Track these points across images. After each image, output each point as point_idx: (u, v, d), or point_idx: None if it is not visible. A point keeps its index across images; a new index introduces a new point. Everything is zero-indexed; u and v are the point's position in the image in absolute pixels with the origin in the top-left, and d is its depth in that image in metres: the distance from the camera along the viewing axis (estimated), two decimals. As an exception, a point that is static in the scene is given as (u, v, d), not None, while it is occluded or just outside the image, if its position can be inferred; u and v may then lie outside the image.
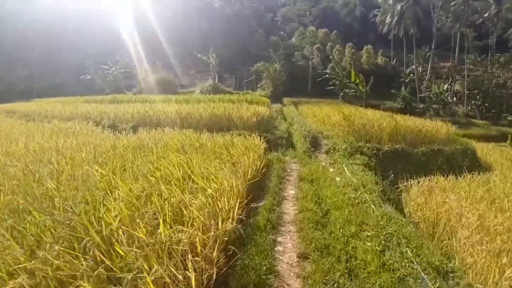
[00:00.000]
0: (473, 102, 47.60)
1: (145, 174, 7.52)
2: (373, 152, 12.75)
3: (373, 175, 10.61)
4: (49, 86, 53.11)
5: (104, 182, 6.74)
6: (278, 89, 35.28)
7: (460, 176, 11.49)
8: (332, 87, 43.09)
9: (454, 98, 49.75)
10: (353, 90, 39.67)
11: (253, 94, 31.35)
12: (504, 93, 48.76)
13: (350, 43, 57.17)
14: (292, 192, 9.09)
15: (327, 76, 44.23)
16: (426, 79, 52.24)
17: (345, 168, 10.86)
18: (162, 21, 46.89)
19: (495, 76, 51.68)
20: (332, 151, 12.59)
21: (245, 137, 12.09)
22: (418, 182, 10.78)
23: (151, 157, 9.25)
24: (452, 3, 47.64)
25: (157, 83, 36.89)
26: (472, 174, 11.97)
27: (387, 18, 51.79)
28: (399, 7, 48.93)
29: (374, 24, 59.77)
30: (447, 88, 49.37)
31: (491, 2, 46.51)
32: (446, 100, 47.37)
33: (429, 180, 11.05)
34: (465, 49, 54.68)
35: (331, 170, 11.18)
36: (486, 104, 46.16)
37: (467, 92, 47.74)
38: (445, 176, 12.02)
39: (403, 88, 46.35)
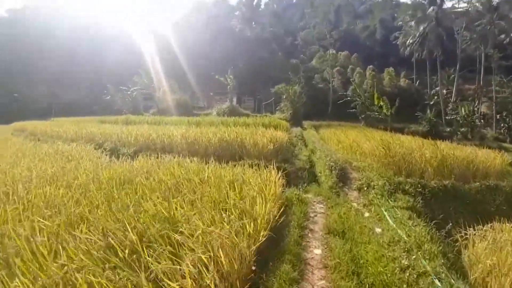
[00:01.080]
0: (502, 124, 43.72)
1: (106, 232, 5.04)
2: (417, 189, 9.87)
3: (424, 223, 7.76)
4: (68, 104, 52.28)
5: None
6: (298, 112, 32.67)
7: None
8: (353, 110, 40.45)
9: (482, 121, 46.06)
10: (376, 113, 36.73)
11: (271, 117, 28.85)
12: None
13: (371, 66, 54.64)
14: (318, 252, 6.34)
15: (348, 98, 41.65)
16: (451, 101, 48.77)
17: (386, 214, 8.05)
18: (182, 42, 45.62)
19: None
20: (365, 188, 9.78)
21: (259, 169, 9.44)
22: (482, 232, 7.93)
23: (132, 196, 6.82)
24: (477, 23, 44.54)
25: (174, 104, 35.06)
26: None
27: (409, 40, 49.03)
28: (421, 28, 46.20)
29: (395, 46, 57.21)
30: (474, 110, 45.85)
31: (518, 20, 43.19)
32: (474, 123, 43.79)
33: (492, 227, 8.20)
34: (491, 70, 51.12)
35: (366, 214, 8.38)
36: (517, 127, 42.23)
37: (497, 114, 43.91)
38: (509, 220, 9.16)
39: (428, 110, 43.03)
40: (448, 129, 43.67)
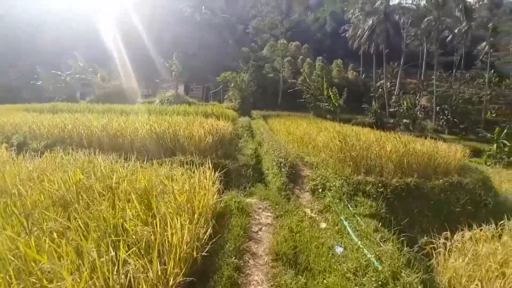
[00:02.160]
0: (441, 117, 44.89)
1: None
2: (379, 190, 8.25)
3: (394, 236, 6.08)
4: (3, 91, 46.00)
5: None
6: (246, 101, 30.64)
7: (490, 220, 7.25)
8: (303, 100, 39.30)
9: (422, 113, 47.16)
10: (326, 104, 35.77)
11: (219, 106, 26.53)
12: (471, 109, 46.67)
13: (320, 57, 53.79)
14: (261, 292, 4.37)
15: (297, 88, 40.39)
16: (395, 94, 49.44)
17: (347, 225, 6.26)
18: (126, 24, 41.35)
19: (461, 92, 49.78)
20: (320, 190, 7.98)
21: (191, 169, 7.27)
22: (456, 242, 6.51)
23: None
24: (425, 20, 45.03)
25: (114, 91, 31.44)
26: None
27: (358, 33, 48.69)
28: (370, 21, 45.91)
29: (343, 39, 56.84)
30: (416, 103, 46.79)
31: (462, 19, 44.16)
32: (415, 115, 44.63)
33: (462, 232, 6.84)
34: (432, 66, 52.42)
35: (323, 225, 6.55)
36: (455, 119, 43.45)
37: (437, 107, 44.98)
38: (474, 220, 7.91)
39: (374, 102, 43.05)
40: (391, 121, 44.10)
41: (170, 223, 4.40)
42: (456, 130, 43.65)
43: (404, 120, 43.65)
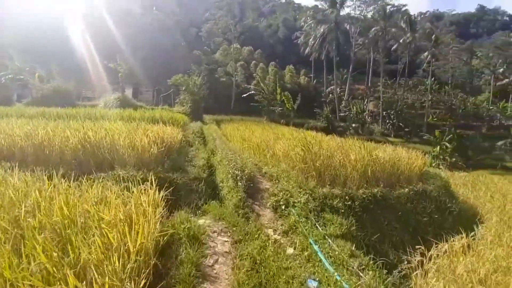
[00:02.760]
0: (387, 121, 46.38)
1: None
2: (346, 203, 7.40)
3: (369, 260, 5.18)
4: None
5: None
6: (198, 105, 29.19)
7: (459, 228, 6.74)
8: (256, 104, 38.58)
9: (370, 118, 48.49)
10: (280, 108, 35.26)
11: (168, 110, 24.87)
12: (414, 114, 48.74)
13: (273, 62, 53.70)
14: None
15: (251, 93, 39.58)
16: (344, 99, 50.48)
17: (319, 252, 5.25)
18: (67, 23, 38.07)
19: (405, 98, 51.96)
20: (283, 206, 6.95)
21: (131, 188, 5.90)
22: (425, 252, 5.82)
23: None
24: (372, 29, 46.37)
25: (52, 93, 28.46)
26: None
27: (311, 40, 49.07)
28: (321, 29, 46.43)
29: (295, 46, 57.27)
30: (364, 108, 48.01)
31: (406, 30, 46.06)
32: (364, 119, 45.75)
33: (436, 246, 6.18)
34: (378, 73, 54.34)
35: (290, 251, 5.48)
36: (400, 123, 45.07)
37: (384, 112, 46.40)
38: (442, 229, 7.69)
39: (325, 107, 43.40)
40: (342, 125, 44.77)
41: (94, 275, 3.10)
42: (401, 133, 45.32)
43: (354, 124, 44.50)
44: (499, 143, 41.49)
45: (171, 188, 6.80)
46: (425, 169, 10.93)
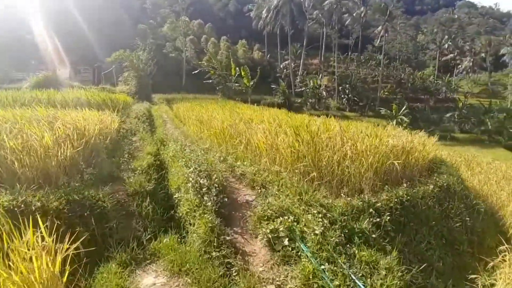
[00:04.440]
0: (342, 96, 44.93)
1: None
2: (373, 220, 4.70)
3: None
4: None
5: None
6: (145, 83, 25.04)
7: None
8: (209, 81, 35.00)
9: (325, 93, 46.73)
10: (237, 84, 31.95)
11: (103, 90, 20.70)
12: (367, 88, 47.75)
13: (224, 37, 49.66)
14: None
15: (203, 69, 35.76)
16: (299, 74, 48.17)
17: None
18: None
19: (358, 72, 50.82)
20: (285, 240, 4.09)
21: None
22: None
23: None
24: (326, 2, 43.79)
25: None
26: None
27: (263, 12, 45.52)
28: (275, 1, 43.04)
29: (247, 19, 53.49)
30: (319, 83, 46.05)
31: (359, 4, 44.21)
32: (321, 94, 43.85)
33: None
34: (331, 48, 52.50)
35: None
36: (355, 98, 43.81)
37: (339, 87, 44.82)
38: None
39: (282, 82, 40.79)
40: (299, 100, 42.64)
41: None
42: (356, 107, 44.20)
43: (310, 100, 42.55)
44: (447, 115, 41.90)
45: (92, 218, 3.75)
46: (436, 155, 8.47)
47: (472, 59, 54.00)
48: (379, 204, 5.06)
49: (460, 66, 56.57)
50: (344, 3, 44.14)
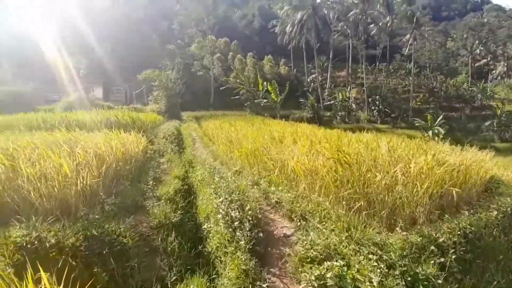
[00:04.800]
0: (373, 107, 43.38)
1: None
2: (436, 260, 3.91)
3: None
4: None
5: None
6: (174, 101, 25.16)
7: None
8: (237, 97, 34.86)
9: (355, 105, 45.40)
10: (265, 100, 31.49)
11: (140, 109, 20.81)
12: (397, 98, 45.96)
13: (250, 53, 49.72)
14: None
15: (231, 85, 35.76)
16: (327, 87, 47.20)
17: None
18: (24, 20, 32.91)
19: (387, 83, 49.27)
20: (332, 287, 3.42)
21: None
22: None
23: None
24: (351, 13, 42.99)
25: (6, 98, 23.86)
26: None
27: (288, 27, 45.26)
28: (299, 15, 42.72)
29: (272, 35, 53.37)
30: (348, 95, 44.81)
31: (385, 13, 43.08)
32: (350, 107, 42.55)
33: None
34: (357, 59, 51.30)
35: None
36: (386, 109, 42.18)
37: (369, 98, 43.45)
38: None
39: (310, 96, 39.97)
40: (328, 114, 41.54)
41: None
42: (388, 119, 42.49)
43: (340, 113, 41.35)
44: (486, 123, 39.41)
45: (111, 256, 3.24)
46: (494, 174, 7.42)
47: (506, 64, 51.16)
48: (441, 240, 4.23)
49: (494, 71, 53.68)
50: (369, 13, 43.02)
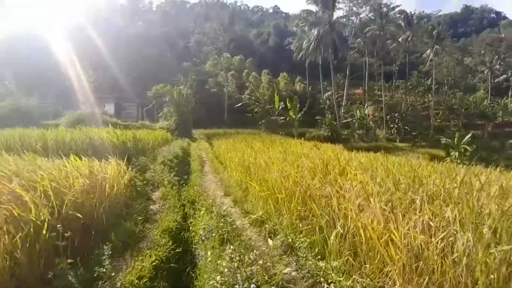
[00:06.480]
0: (391, 125, 40.37)
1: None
2: None
3: None
4: None
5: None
6: (186, 118, 22.87)
7: None
8: (251, 115, 32.57)
9: (372, 123, 42.42)
10: (282, 118, 29.02)
11: (151, 126, 18.53)
12: (417, 116, 42.91)
13: (265, 70, 47.67)
14: None
15: (245, 103, 33.53)
16: (343, 105, 44.54)
17: None
18: (38, 36, 31.61)
19: (405, 100, 46.37)
20: None
21: None
22: None
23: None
24: (368, 29, 40.71)
25: (7, 112, 22.05)
26: None
27: (304, 43, 43.13)
28: (315, 32, 40.57)
29: (287, 53, 51.55)
30: (366, 113, 41.93)
31: (405, 28, 40.63)
32: (368, 125, 39.59)
33: None
34: (373, 77, 48.77)
35: None
36: (406, 127, 39.09)
37: (388, 116, 40.53)
38: None
39: (328, 114, 37.31)
40: (345, 132, 38.70)
41: None
42: (408, 137, 39.37)
43: (358, 131, 38.46)
44: (510, 141, 36.18)
45: None
46: None
47: (526, 79, 47.96)
48: None
49: (514, 87, 50.49)
50: (386, 28, 40.60)
